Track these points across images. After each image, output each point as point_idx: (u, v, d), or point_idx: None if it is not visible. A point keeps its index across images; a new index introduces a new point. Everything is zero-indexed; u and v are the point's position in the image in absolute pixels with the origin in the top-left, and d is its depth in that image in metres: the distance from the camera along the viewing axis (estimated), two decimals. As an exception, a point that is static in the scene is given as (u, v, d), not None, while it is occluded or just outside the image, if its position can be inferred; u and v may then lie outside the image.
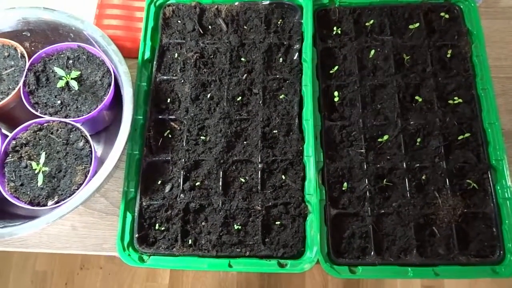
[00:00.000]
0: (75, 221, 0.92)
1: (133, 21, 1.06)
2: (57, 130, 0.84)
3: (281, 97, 0.90)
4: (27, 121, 0.84)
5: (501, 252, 0.78)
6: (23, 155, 0.83)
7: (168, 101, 0.92)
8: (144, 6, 1.04)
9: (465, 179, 0.83)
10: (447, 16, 0.95)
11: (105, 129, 0.97)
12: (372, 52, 0.92)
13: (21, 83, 0.86)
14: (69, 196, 0.80)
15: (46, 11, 0.89)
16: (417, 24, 0.93)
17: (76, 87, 0.85)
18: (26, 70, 0.87)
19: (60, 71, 0.85)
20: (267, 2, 0.97)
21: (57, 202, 0.80)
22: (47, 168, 0.81)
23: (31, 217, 0.90)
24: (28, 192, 0.81)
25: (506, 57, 1.00)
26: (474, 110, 0.88)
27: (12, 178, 0.81)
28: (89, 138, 0.83)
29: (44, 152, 0.81)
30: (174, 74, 0.94)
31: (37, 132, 0.84)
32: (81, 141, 0.84)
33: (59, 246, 0.91)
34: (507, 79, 0.98)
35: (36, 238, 0.91)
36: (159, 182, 0.86)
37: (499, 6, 1.06)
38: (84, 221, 0.92)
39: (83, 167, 0.82)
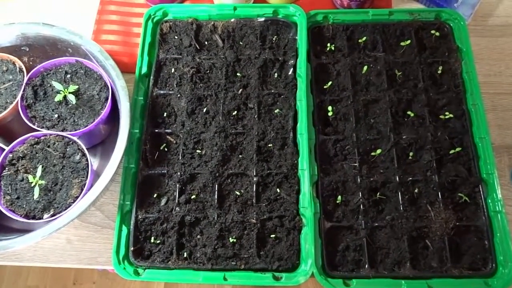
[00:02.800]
0: (70, 235, 0.92)
1: (131, 37, 1.08)
2: (54, 143, 0.85)
3: (276, 111, 0.92)
4: (24, 135, 0.85)
5: (493, 264, 0.79)
6: (19, 168, 0.83)
7: (165, 115, 0.93)
8: (141, 22, 1.07)
9: (456, 193, 0.85)
10: (437, 33, 0.97)
11: (102, 143, 0.98)
12: (365, 68, 0.94)
13: (19, 97, 0.87)
14: (65, 209, 0.80)
15: (45, 26, 0.91)
16: (409, 41, 0.95)
17: (74, 101, 0.86)
18: (24, 84, 0.88)
19: (58, 85, 0.86)
20: (263, 19, 0.99)
21: (53, 215, 0.80)
22: (43, 181, 0.81)
23: (25, 230, 0.91)
24: (24, 205, 0.81)
25: (494, 74, 1.03)
26: (464, 125, 0.90)
27: (8, 191, 0.82)
28: (86, 151, 0.84)
29: (40, 165, 0.82)
30: (171, 89, 0.95)
31: (34, 146, 0.85)
32: (77, 154, 0.84)
33: (54, 260, 0.91)
34: (496, 94, 1.00)
35: (31, 252, 0.91)
36: (155, 195, 0.87)
37: (487, 24, 1.09)
38: (79, 234, 0.92)
39: (79, 180, 0.82)
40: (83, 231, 0.92)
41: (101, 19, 1.11)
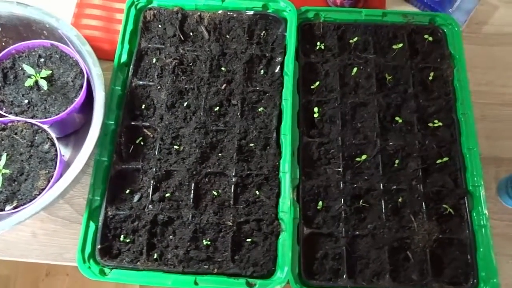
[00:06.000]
0: (35, 228, 0.87)
1: (113, 23, 1.03)
2: (22, 130, 0.80)
3: (260, 109, 0.88)
4: None
5: (475, 280, 0.77)
6: (-18, 156, 0.78)
7: (143, 107, 0.88)
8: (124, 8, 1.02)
9: (441, 204, 0.82)
10: (430, 38, 0.94)
11: (75, 133, 0.93)
12: (355, 70, 0.90)
13: (-14, 80, 0.81)
14: (29, 202, 0.75)
15: (19, 6, 0.85)
16: (401, 45, 0.92)
17: (46, 87, 0.81)
18: (-7, 66, 0.82)
19: (29, 69, 0.81)
20: (251, 13, 0.95)
21: (15, 207, 0.75)
22: (8, 171, 0.76)
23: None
24: (-15, 195, 0.76)
25: (486, 83, 1.00)
26: (453, 134, 0.87)
27: (-32, 180, 0.76)
28: (56, 141, 0.79)
29: (5, 153, 0.77)
30: (151, 80, 0.90)
31: (0, 132, 0.80)
32: (46, 143, 0.79)
33: (17, 254, 0.86)
34: (486, 105, 0.98)
35: (-7, 243, 0.86)
36: (128, 191, 0.82)
37: (481, 32, 1.06)
38: (46, 228, 0.87)
39: (47, 171, 0.77)
40: (50, 225, 0.87)
41: (82, 3, 1.06)
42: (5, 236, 0.86)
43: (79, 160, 0.76)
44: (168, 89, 0.88)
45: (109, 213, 0.79)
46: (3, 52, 0.84)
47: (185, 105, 0.88)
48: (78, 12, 1.05)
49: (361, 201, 0.82)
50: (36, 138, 0.80)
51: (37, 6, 0.86)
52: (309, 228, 0.80)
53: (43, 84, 0.80)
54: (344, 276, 0.77)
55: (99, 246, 0.77)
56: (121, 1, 1.05)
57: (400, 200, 0.82)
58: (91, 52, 0.83)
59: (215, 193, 0.82)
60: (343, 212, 0.81)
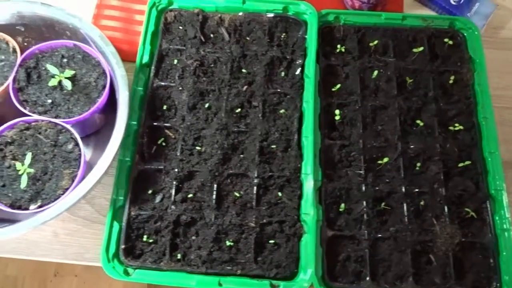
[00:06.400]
0: (57, 228, 0.87)
1: (132, 24, 1.04)
2: (46, 130, 0.80)
3: (281, 111, 0.88)
4: (12, 119, 0.80)
5: (498, 284, 0.77)
6: (7, 154, 0.78)
7: (164, 108, 0.88)
8: (144, 9, 1.02)
9: (463, 207, 0.82)
10: (450, 42, 0.94)
11: (95, 133, 0.93)
12: (376, 73, 0.90)
13: (10, 79, 0.82)
14: (53, 201, 0.75)
15: (43, 6, 0.85)
16: (421, 48, 0.92)
17: (69, 87, 0.81)
18: (17, 66, 0.83)
19: (53, 69, 0.81)
20: (272, 15, 0.95)
21: (40, 207, 0.75)
22: (32, 170, 0.76)
23: (7, 220, 0.86)
24: (10, 194, 0.76)
25: (504, 87, 1.01)
26: (474, 138, 0.87)
27: (-8, 178, 0.77)
28: (79, 141, 0.79)
29: (30, 153, 0.77)
30: (172, 81, 0.91)
31: (24, 131, 0.80)
32: (70, 143, 0.79)
33: (38, 253, 0.86)
34: (505, 109, 0.98)
35: (14, 243, 0.86)
36: (150, 192, 0.82)
37: (499, 37, 1.06)
38: (67, 228, 0.87)
39: (71, 171, 0.77)
40: (71, 225, 0.87)
41: (102, 4, 1.06)
42: (27, 235, 0.86)
43: (104, 160, 0.76)
44: (190, 90, 0.89)
45: (132, 213, 0.80)
46: (26, 52, 0.84)
47: (206, 106, 0.88)
48: (98, 13, 1.05)
49: (383, 203, 0.82)
50: (59, 137, 0.80)
51: (61, 7, 0.86)
52: (332, 230, 0.80)
53: (67, 84, 0.81)
54: (367, 279, 0.77)
55: (123, 246, 0.77)
56: (141, 2, 1.06)
57: (422, 203, 0.82)
58: (114, 53, 0.83)
59: (237, 194, 0.82)
60: (365, 215, 0.81)
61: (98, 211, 0.88)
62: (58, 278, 1.93)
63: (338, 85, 0.90)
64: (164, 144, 0.86)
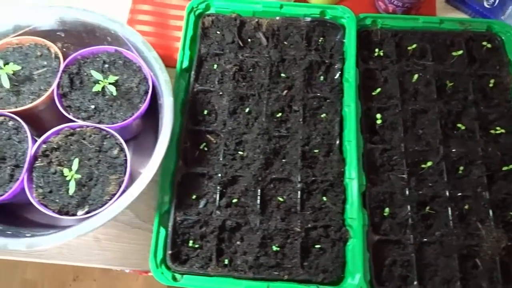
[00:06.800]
0: (98, 233, 0.87)
1: (167, 29, 1.04)
2: (90, 136, 0.80)
3: (322, 116, 0.88)
4: (53, 125, 0.80)
5: (546, 288, 0.76)
6: (52, 160, 0.78)
7: (205, 112, 0.88)
8: (178, 14, 1.03)
9: (508, 211, 0.82)
10: (488, 45, 0.94)
11: (133, 139, 0.93)
12: (416, 76, 0.90)
13: (54, 85, 0.82)
14: (100, 207, 0.75)
15: (86, 12, 0.86)
16: (461, 52, 0.92)
17: (114, 93, 0.81)
18: (60, 72, 0.83)
19: (97, 75, 0.82)
20: (309, 19, 0.95)
21: (87, 212, 0.75)
22: (79, 176, 0.76)
23: (49, 226, 0.86)
24: (57, 200, 0.76)
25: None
26: (516, 141, 0.87)
27: (40, 184, 0.76)
28: (125, 146, 0.79)
29: (77, 158, 0.77)
30: (212, 86, 0.91)
31: (69, 137, 0.80)
32: (115, 149, 0.80)
33: (80, 259, 0.86)
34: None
35: (56, 249, 0.86)
36: (194, 197, 0.82)
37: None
38: (108, 233, 0.87)
39: (117, 177, 0.77)
40: (112, 230, 0.87)
41: (135, 9, 1.07)
42: (69, 241, 0.86)
43: (151, 166, 0.76)
44: (230, 95, 0.89)
45: (178, 218, 0.80)
46: (69, 58, 0.84)
47: (246, 111, 0.89)
48: (131, 18, 1.06)
49: (427, 208, 0.82)
50: (104, 143, 0.80)
51: (103, 13, 0.86)
52: (377, 235, 0.80)
53: (112, 89, 0.81)
54: (415, 283, 0.77)
55: (170, 252, 0.77)
56: (176, 7, 1.06)
57: (466, 207, 0.82)
58: (157, 58, 0.83)
59: (280, 199, 0.82)
60: (410, 219, 0.81)
61: (138, 216, 0.88)
62: (78, 283, 1.93)
63: (379, 89, 0.90)
64: (206, 149, 0.86)
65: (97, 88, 0.82)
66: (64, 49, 0.91)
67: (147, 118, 0.89)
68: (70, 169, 0.76)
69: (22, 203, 0.86)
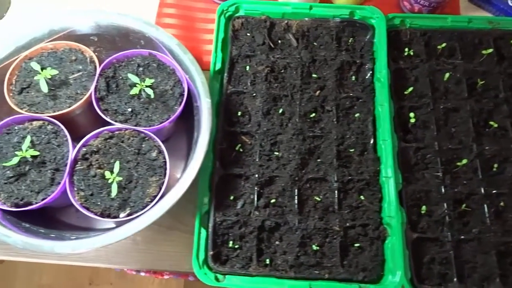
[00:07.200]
0: (135, 235, 0.87)
1: (194, 32, 1.05)
2: (129, 138, 0.81)
3: (356, 115, 0.89)
4: (87, 129, 0.81)
5: None
6: (92, 163, 0.79)
7: (239, 114, 0.89)
8: (205, 17, 1.05)
9: (543, 208, 0.82)
10: (517, 43, 0.95)
11: (165, 141, 0.93)
12: (447, 75, 0.91)
13: (92, 88, 0.82)
14: (141, 209, 0.76)
15: (121, 16, 0.86)
16: (491, 50, 0.93)
17: (152, 95, 0.82)
18: (97, 76, 0.83)
19: (134, 78, 0.82)
20: (338, 20, 0.96)
21: (129, 215, 0.76)
22: (120, 178, 0.77)
23: (82, 228, 0.87)
24: (99, 203, 0.76)
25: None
26: (549, 138, 0.88)
27: (81, 187, 0.77)
28: (163, 148, 0.80)
29: (118, 161, 0.77)
30: (245, 87, 0.91)
31: (108, 140, 0.81)
32: (154, 151, 0.80)
33: (117, 261, 0.86)
34: None
35: (94, 252, 0.86)
36: (232, 198, 0.83)
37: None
38: (145, 235, 0.88)
39: (157, 179, 0.78)
40: (148, 232, 0.88)
41: (162, 12, 1.07)
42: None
43: (192, 167, 0.76)
44: (263, 96, 0.89)
45: (217, 219, 0.80)
46: (105, 62, 0.85)
47: (280, 111, 0.89)
48: (158, 21, 1.07)
49: (463, 205, 0.82)
50: (143, 145, 0.80)
51: (137, 16, 0.87)
52: (415, 233, 0.80)
53: (150, 92, 0.81)
54: (454, 280, 0.77)
55: (211, 252, 0.77)
56: (202, 10, 1.07)
57: (501, 204, 0.83)
58: (193, 60, 0.84)
59: (317, 198, 0.83)
60: (446, 217, 0.82)
61: (175, 218, 0.88)
62: (93, 287, 1.93)
63: (411, 88, 0.91)
64: (241, 150, 0.86)
65: (134, 91, 0.82)
66: (96, 53, 0.92)
67: (178, 121, 0.90)
68: (112, 172, 0.76)
69: (58, 206, 0.87)
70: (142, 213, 0.74)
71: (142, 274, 1.40)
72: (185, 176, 0.75)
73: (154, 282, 1.93)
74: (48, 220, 0.84)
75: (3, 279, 1.90)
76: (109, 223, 0.86)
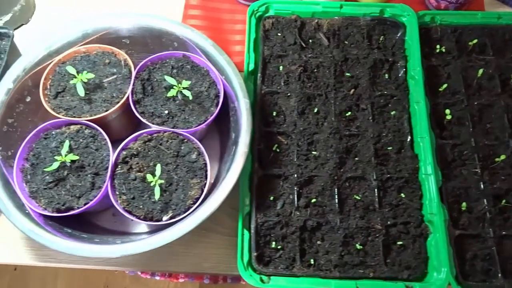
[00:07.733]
0: (172, 238, 0.87)
1: (222, 33, 1.04)
2: (167, 141, 0.80)
3: (392, 113, 0.89)
4: (122, 132, 0.81)
5: None
6: (132, 167, 0.78)
7: (274, 114, 0.89)
8: (232, 18, 1.05)
9: None
10: (549, 38, 0.95)
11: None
12: (481, 71, 0.91)
13: (129, 91, 0.82)
14: (184, 211, 0.75)
15: (157, 19, 0.86)
16: (524, 45, 0.93)
17: (190, 97, 0.81)
18: (133, 78, 0.83)
19: (171, 80, 0.82)
20: (369, 18, 0.96)
21: (171, 217, 0.75)
22: (162, 181, 0.76)
23: (116, 232, 0.86)
24: (141, 206, 0.76)
25: None
26: None
27: (123, 191, 0.77)
28: (203, 150, 0.79)
29: (159, 164, 0.77)
30: (278, 87, 0.91)
31: (147, 143, 0.80)
32: (193, 153, 0.80)
33: (156, 265, 0.86)
34: None
35: (131, 256, 0.85)
36: (271, 198, 0.82)
37: None
38: (182, 237, 0.87)
39: (199, 181, 0.77)
40: (187, 235, 0.87)
41: (188, 14, 1.07)
42: (146, 247, 0.86)
43: (234, 169, 0.76)
44: (297, 96, 0.89)
45: (259, 220, 0.80)
46: (140, 64, 0.84)
47: (315, 111, 0.89)
48: (184, 23, 1.06)
49: (503, 201, 0.82)
50: (182, 147, 0.80)
51: (174, 19, 0.87)
52: (457, 229, 0.80)
53: (188, 94, 0.81)
54: (499, 276, 0.77)
55: (255, 254, 0.77)
56: (228, 11, 1.07)
57: (541, 199, 0.83)
58: (229, 61, 0.84)
59: (357, 197, 0.82)
60: (487, 213, 0.81)
61: (212, 220, 0.87)
62: (108, 292, 1.92)
63: (445, 85, 0.91)
64: (278, 150, 0.86)
65: (171, 93, 0.82)
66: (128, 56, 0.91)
67: (212, 123, 0.89)
68: (153, 175, 0.76)
69: (95, 211, 0.86)
70: (186, 216, 0.74)
71: (157, 278, 1.40)
72: (226, 179, 0.75)
73: (169, 285, 1.92)
74: (85, 225, 0.84)
75: (17, 285, 1.88)
76: (143, 227, 0.86)
